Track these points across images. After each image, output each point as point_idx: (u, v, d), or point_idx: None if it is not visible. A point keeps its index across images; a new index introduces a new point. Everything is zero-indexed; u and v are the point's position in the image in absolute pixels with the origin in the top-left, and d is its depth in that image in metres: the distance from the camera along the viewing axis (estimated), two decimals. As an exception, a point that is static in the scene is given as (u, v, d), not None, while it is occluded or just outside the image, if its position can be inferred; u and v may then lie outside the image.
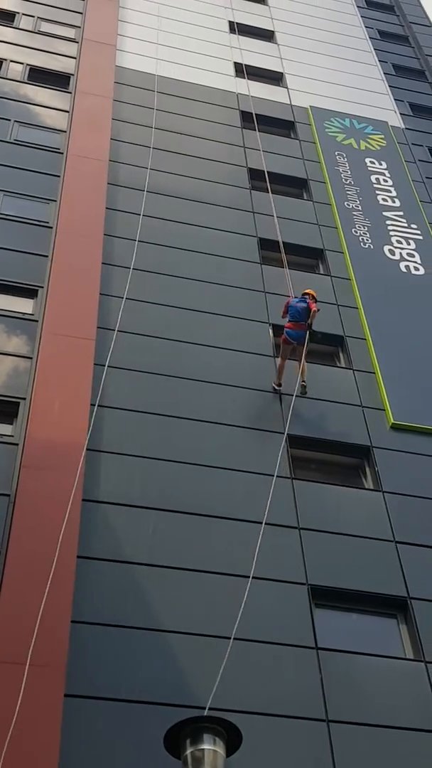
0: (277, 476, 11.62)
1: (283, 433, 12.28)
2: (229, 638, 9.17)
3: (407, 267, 16.45)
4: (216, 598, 9.75)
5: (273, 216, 15.99)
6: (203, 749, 6.18)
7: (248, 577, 10.09)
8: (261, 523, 10.85)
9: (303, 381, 12.36)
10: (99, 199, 15.25)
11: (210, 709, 7.97)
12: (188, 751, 6.19)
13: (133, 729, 8.27)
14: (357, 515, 11.53)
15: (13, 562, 9.25)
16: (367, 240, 16.73)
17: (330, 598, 10.33)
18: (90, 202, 15.07)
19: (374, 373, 13.92)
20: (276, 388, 12.82)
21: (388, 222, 17.44)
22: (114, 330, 13.05)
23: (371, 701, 9.17)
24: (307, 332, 12.49)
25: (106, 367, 11.94)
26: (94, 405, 11.52)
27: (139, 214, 15.01)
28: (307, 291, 13.16)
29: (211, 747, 6.21)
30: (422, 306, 15.70)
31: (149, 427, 11.80)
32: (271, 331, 14.16)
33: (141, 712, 8.43)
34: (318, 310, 12.66)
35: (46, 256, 13.90)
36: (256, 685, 8.99)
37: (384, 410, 13.27)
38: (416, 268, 16.50)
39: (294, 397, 12.27)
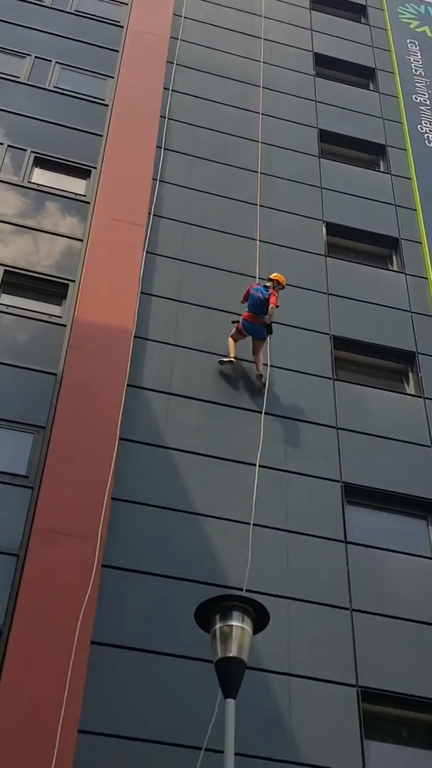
0: (320, 376, 11.71)
1: (329, 334, 12.28)
2: (261, 526, 9.49)
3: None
4: (252, 488, 9.99)
5: (336, 106, 15.45)
6: (232, 625, 6.43)
7: (285, 471, 10.34)
8: (300, 420, 11.02)
9: (258, 371, 11.03)
10: (157, 78, 14.82)
11: (240, 589, 8.35)
12: (217, 626, 6.45)
13: (166, 602, 8.68)
14: (396, 419, 11.59)
15: (58, 440, 9.52)
16: (434, 138, 16.11)
17: (362, 497, 10.54)
18: (148, 80, 14.65)
19: (426, 278, 13.67)
20: (225, 361, 11.05)
21: (457, 120, 16.72)
22: (165, 217, 12.96)
23: (394, 595, 9.49)
24: (266, 329, 10.95)
25: (145, 254, 11.85)
26: (142, 292, 11.59)
27: (197, 97, 14.57)
28: (272, 276, 11.28)
29: (239, 624, 6.46)
30: None
31: (194, 318, 11.82)
32: (324, 229, 13.91)
33: (173, 587, 8.82)
34: (277, 306, 10.88)
35: (101, 136, 13.65)
36: (286, 571, 9.32)
37: (432, 316, 13.12)
38: None
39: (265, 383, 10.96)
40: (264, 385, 10.97)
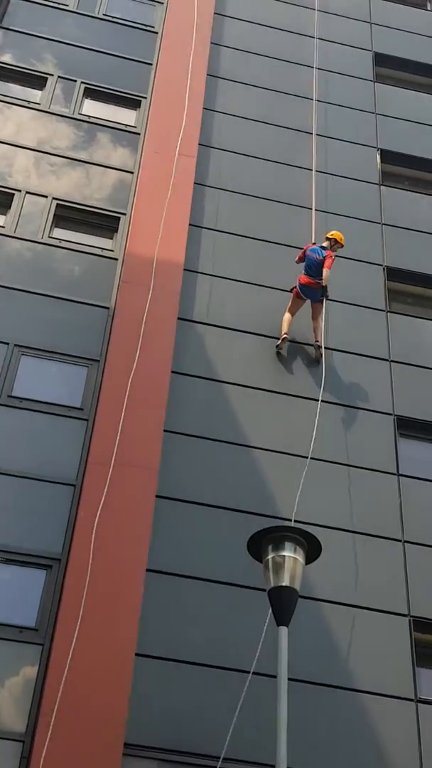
0: (374, 308, 11.54)
1: (381, 264, 12.05)
2: (315, 459, 9.52)
3: None
4: (302, 421, 10.01)
5: (392, 27, 14.82)
6: (284, 555, 6.52)
7: (339, 404, 10.31)
8: (354, 353, 10.92)
9: (317, 340, 10.46)
10: (208, 3, 14.38)
11: (293, 520, 8.44)
12: (270, 556, 6.54)
13: (219, 532, 8.83)
14: (450, 352, 11.41)
15: (111, 373, 9.62)
16: None
17: (415, 429, 10.48)
18: (199, 6, 14.20)
19: None
20: (281, 344, 10.44)
21: None
22: (216, 148, 12.74)
23: (447, 528, 9.51)
24: (322, 292, 10.40)
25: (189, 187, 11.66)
26: (193, 225, 11.49)
27: (249, 21, 14.13)
28: (330, 234, 10.79)
29: (291, 554, 6.54)
30: None
31: (246, 251, 11.69)
32: (378, 156, 13.52)
33: (226, 517, 8.96)
34: (330, 269, 10.33)
35: (150, 64, 13.38)
36: (338, 504, 9.38)
37: None
38: None
39: (323, 360, 10.41)
40: (321, 355, 10.46)
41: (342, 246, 10.77)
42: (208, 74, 13.42)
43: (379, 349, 11.11)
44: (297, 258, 10.86)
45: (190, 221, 11.53)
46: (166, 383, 9.71)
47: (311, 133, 13.24)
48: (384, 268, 12.06)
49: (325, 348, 10.64)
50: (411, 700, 8.12)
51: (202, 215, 11.84)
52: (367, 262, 12.03)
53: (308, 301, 10.64)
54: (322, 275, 10.37)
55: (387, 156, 13.58)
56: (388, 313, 11.56)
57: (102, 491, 8.51)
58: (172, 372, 9.89)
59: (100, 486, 8.58)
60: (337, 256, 11.10)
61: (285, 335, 10.48)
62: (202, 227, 11.72)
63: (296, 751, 6.89)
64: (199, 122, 12.72)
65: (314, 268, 10.47)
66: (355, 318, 11.32)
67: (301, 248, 11.48)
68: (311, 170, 12.71)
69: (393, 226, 12.61)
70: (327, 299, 10.51)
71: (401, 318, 11.61)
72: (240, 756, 7.35)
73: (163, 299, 10.46)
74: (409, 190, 13.39)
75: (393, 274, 12.07)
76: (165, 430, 9.35)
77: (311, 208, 12.19)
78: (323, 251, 10.58)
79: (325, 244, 10.75)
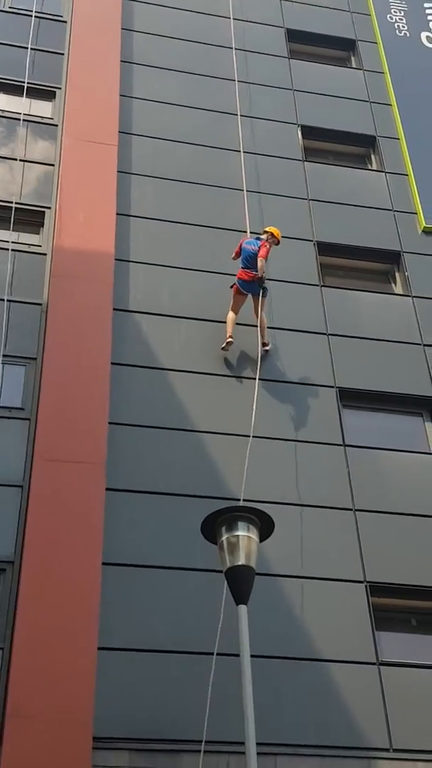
0: (307, 284, 11.63)
1: (312, 240, 12.15)
2: (261, 437, 9.58)
3: (445, 55, 15.40)
4: (246, 402, 10.06)
5: (302, 2, 14.87)
6: (238, 535, 6.56)
7: (280, 381, 10.39)
8: (291, 330, 11.00)
9: (264, 341, 10.24)
10: (115, -12, 14.19)
11: (244, 500, 8.50)
12: (224, 537, 6.58)
13: (171, 519, 8.84)
14: (386, 320, 11.58)
15: (50, 370, 9.51)
16: (404, 27, 15.54)
17: (357, 399, 10.63)
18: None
19: (407, 175, 13.43)
20: (226, 347, 10.24)
21: (426, 4, 16.09)
22: (137, 134, 12.64)
23: (395, 492, 9.68)
24: (257, 285, 10.19)
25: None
26: (120, 214, 11.41)
27: (159, 5, 14.01)
28: (267, 229, 10.60)
29: (245, 533, 6.59)
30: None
31: (177, 236, 11.65)
32: (300, 132, 13.60)
33: (178, 503, 8.98)
34: (264, 258, 10.11)
35: (62, 54, 13.18)
36: (288, 479, 9.47)
37: (416, 214, 12.95)
38: (454, 56, 15.43)
39: (259, 357, 10.02)
40: (267, 353, 10.28)
41: (278, 243, 10.56)
42: (122, 60, 13.27)
43: (316, 323, 11.22)
44: (234, 254, 10.58)
45: (118, 210, 11.43)
46: (106, 375, 9.64)
47: (233, 114, 13.22)
48: (315, 243, 12.15)
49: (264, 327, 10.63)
50: (373, 663, 8.29)
51: (129, 204, 11.75)
52: (298, 239, 12.10)
53: (249, 296, 10.41)
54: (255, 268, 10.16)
55: (308, 132, 13.67)
56: (322, 288, 11.67)
57: (50, 490, 8.43)
58: (112, 363, 9.83)
59: (48, 485, 8.50)
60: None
61: (230, 339, 10.24)
62: (130, 216, 11.63)
63: (264, 726, 6.98)
64: (117, 110, 12.59)
65: (251, 260, 10.25)
66: (291, 294, 11.39)
67: (231, 230, 11.54)
68: (236, 151, 12.70)
69: (320, 201, 12.72)
70: (263, 291, 10.27)
71: (335, 291, 11.74)
72: (210, 737, 7.41)
73: (96, 291, 10.38)
74: (333, 164, 13.51)
75: (324, 248, 12.18)
76: (110, 423, 9.30)
77: (240, 190, 12.19)
78: (258, 242, 10.38)
79: (262, 236, 10.55)
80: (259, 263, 10.15)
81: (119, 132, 12.39)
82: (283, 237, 11.75)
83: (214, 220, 11.92)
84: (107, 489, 8.74)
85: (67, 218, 11.04)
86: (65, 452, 8.77)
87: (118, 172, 11.91)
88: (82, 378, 9.51)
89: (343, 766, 7.57)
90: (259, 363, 10.01)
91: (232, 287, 10.41)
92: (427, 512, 9.53)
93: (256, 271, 10.17)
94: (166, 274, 11.17)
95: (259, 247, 10.27)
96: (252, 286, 10.27)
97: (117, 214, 11.36)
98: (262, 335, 10.27)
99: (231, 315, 10.40)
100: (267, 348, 10.32)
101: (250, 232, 11.36)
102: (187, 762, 7.30)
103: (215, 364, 10.35)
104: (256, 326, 10.29)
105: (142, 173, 12.21)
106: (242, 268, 10.32)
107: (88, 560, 8.08)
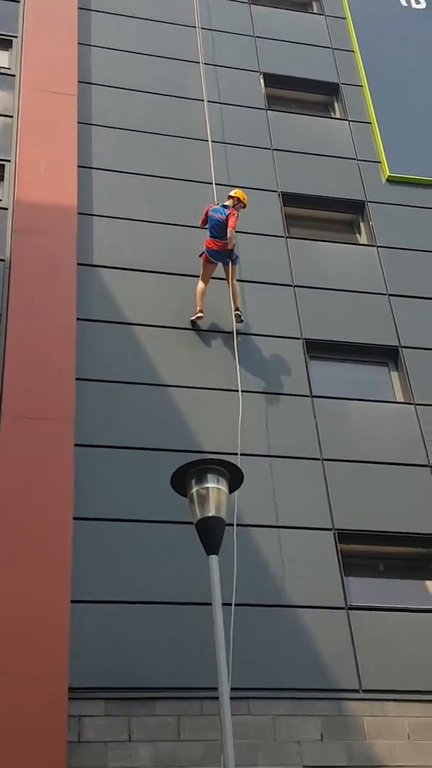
0: (272, 235, 11.58)
1: (277, 191, 12.07)
2: (226, 390, 9.62)
3: (408, 0, 15.19)
4: (213, 355, 10.08)
5: None
6: (208, 487, 6.62)
7: (247, 334, 10.39)
8: (257, 282, 10.97)
9: (237, 309, 10.06)
10: None
11: (215, 453, 8.55)
12: (194, 490, 6.64)
13: (142, 473, 8.88)
14: (351, 271, 11.60)
15: (15, 326, 9.40)
16: (365, -29, 15.30)
17: (324, 350, 10.69)
18: None
19: (370, 123, 13.34)
20: (195, 320, 10.10)
21: None
22: (97, 84, 12.37)
23: (361, 441, 9.81)
24: (228, 254, 10.01)
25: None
26: (81, 166, 11.22)
27: None
28: (232, 193, 10.33)
29: (215, 485, 6.65)
30: (423, 46, 14.69)
31: (141, 189, 11.49)
32: (262, 80, 13.41)
33: (147, 458, 9.01)
34: (234, 228, 9.90)
35: (18, 2, 12.77)
36: (255, 433, 9.53)
37: (380, 163, 12.90)
38: (417, 1, 15.23)
39: (235, 334, 9.98)
40: (241, 322, 10.13)
41: (245, 206, 10.30)
42: (79, 8, 12.92)
43: (282, 275, 11.20)
44: (200, 221, 10.35)
45: (79, 163, 11.23)
46: (72, 331, 9.56)
47: (195, 62, 12.98)
48: (279, 194, 12.08)
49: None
50: (342, 608, 8.48)
51: (91, 155, 11.54)
52: (262, 190, 12.00)
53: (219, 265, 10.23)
54: (224, 236, 9.93)
55: (270, 79, 13.49)
56: (288, 239, 11.63)
57: (18, 447, 8.41)
58: (78, 319, 9.74)
59: (17, 442, 8.48)
60: (233, 186, 11.04)
61: (200, 313, 10.07)
62: (92, 168, 11.44)
63: (237, 671, 7.15)
64: (75, 59, 12.29)
65: (218, 228, 9.99)
66: (256, 247, 11.33)
67: (196, 181, 11.42)
68: (199, 101, 12.51)
69: (283, 150, 12.60)
70: (234, 263, 10.08)
71: (300, 243, 11.71)
72: (184, 683, 7.58)
73: (59, 246, 10.23)
74: (296, 113, 13.36)
75: (288, 199, 12.11)
76: (77, 378, 9.26)
77: (204, 140, 12.01)
78: (225, 210, 10.10)
79: (227, 202, 10.28)
80: (229, 234, 9.90)
81: (79, 82, 12.12)
82: (247, 188, 11.67)
83: (178, 172, 11.78)
84: (76, 445, 8.73)
85: (27, 171, 10.82)
86: (33, 409, 8.73)
87: (79, 123, 11.68)
88: (47, 334, 9.42)
89: (314, 707, 7.79)
90: (235, 335, 9.96)
91: (200, 256, 10.20)
92: (393, 460, 9.69)
93: (225, 241, 9.93)
94: (130, 228, 11.04)
95: (227, 216, 9.99)
96: (221, 255, 10.08)
97: (78, 166, 11.17)
98: (235, 303, 10.12)
99: (201, 286, 10.19)
100: (239, 315, 10.15)
101: (216, 184, 11.25)
102: (161, 708, 7.46)
103: (182, 318, 10.30)
104: (234, 309, 10.06)
105: (103, 124, 12.00)
106: (210, 236, 10.07)
107: (59, 516, 8.11)
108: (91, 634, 7.68)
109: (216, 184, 11.35)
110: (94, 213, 10.98)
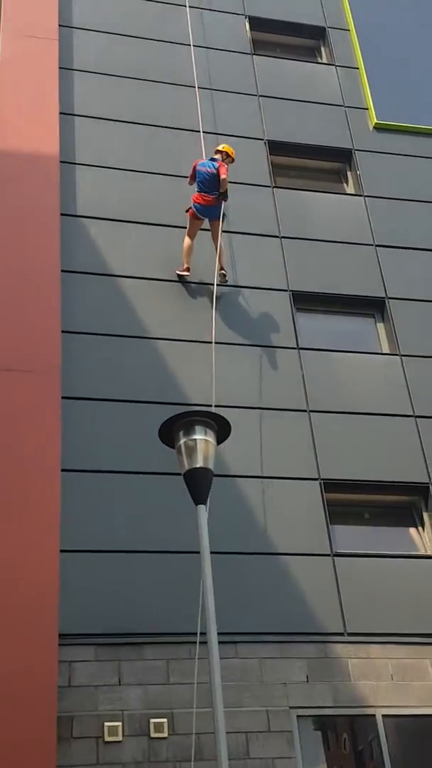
0: (258, 185, 11.46)
1: (263, 139, 11.91)
2: (221, 343, 9.63)
3: None
4: (199, 307, 10.05)
5: None
6: (195, 439, 6.64)
7: (233, 286, 10.36)
8: (243, 233, 10.89)
9: (222, 269, 10.02)
10: None
11: (203, 405, 8.60)
12: (182, 441, 6.66)
13: (129, 425, 8.92)
14: (338, 221, 11.53)
15: (-1, 278, 9.33)
16: None
17: (311, 302, 10.68)
18: None
19: (357, 69, 13.13)
20: (182, 275, 10.03)
21: None
22: (79, 28, 12.07)
23: (348, 393, 9.87)
24: (221, 205, 9.90)
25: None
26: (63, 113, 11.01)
27: None
28: (219, 148, 10.26)
29: (202, 437, 6.67)
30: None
31: (125, 136, 11.31)
32: (247, 24, 13.14)
33: (135, 410, 9.04)
34: (227, 177, 9.82)
35: None
36: (245, 383, 9.57)
37: (367, 110, 12.74)
38: None
39: (215, 288, 9.96)
40: (226, 282, 10.07)
41: (233, 160, 10.22)
42: None
43: (269, 226, 11.12)
44: (189, 179, 10.20)
45: (61, 110, 11.01)
46: (57, 283, 9.48)
47: (179, 5, 12.68)
48: (265, 142, 11.92)
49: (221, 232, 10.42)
50: (328, 555, 8.64)
51: (73, 102, 11.33)
52: (248, 138, 11.84)
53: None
54: (217, 190, 9.82)
55: (255, 23, 13.22)
56: (274, 189, 11.52)
57: (4, 399, 8.41)
58: (63, 271, 9.66)
59: (3, 394, 8.47)
60: (217, 133, 10.88)
61: (186, 271, 10.01)
62: (74, 115, 11.23)
63: (225, 616, 7.28)
64: (56, 2, 11.97)
65: (207, 183, 9.87)
66: (242, 197, 11.21)
67: (182, 129, 11.25)
68: (184, 45, 12.24)
69: (270, 97, 12.41)
70: (225, 200, 9.96)
71: (287, 192, 11.60)
72: (173, 629, 7.74)
73: (42, 195, 10.09)
74: (282, 57, 13.12)
75: (275, 147, 11.96)
76: (63, 331, 9.22)
77: (190, 86, 11.80)
78: (214, 163, 9.99)
79: (215, 156, 10.16)
80: (223, 182, 9.79)
81: (60, 26, 11.83)
82: (233, 136, 11.54)
83: (163, 119, 11.60)
84: (63, 397, 8.74)
85: (7, 119, 10.61)
86: (20, 362, 8.71)
87: (60, 68, 11.43)
88: (32, 286, 9.34)
89: (300, 650, 7.99)
90: (214, 291, 9.91)
91: (187, 212, 10.05)
92: (378, 411, 9.78)
93: (214, 195, 9.83)
94: (114, 177, 10.89)
95: (218, 168, 9.89)
96: (209, 210, 9.93)
97: (60, 113, 10.96)
98: (220, 261, 10.04)
99: (187, 242, 10.06)
100: (224, 274, 10.08)
101: (203, 132, 11.09)
102: (150, 653, 7.63)
103: (169, 270, 10.24)
104: (219, 268, 10.02)
105: (85, 69, 11.75)
106: (198, 191, 9.93)
107: (46, 467, 8.15)
108: (80, 582, 7.80)
109: (203, 132, 11.18)
110: (77, 162, 10.82)
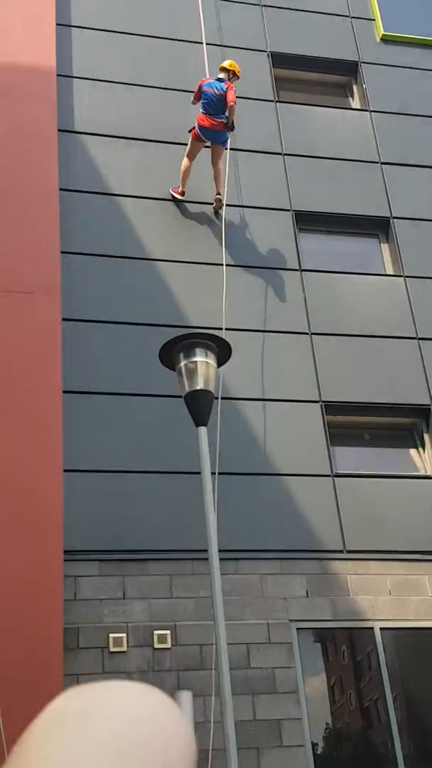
0: (261, 99, 11.14)
1: (266, 51, 11.51)
2: (213, 264, 9.51)
3: None
4: (200, 228, 9.89)
5: None
6: (196, 361, 6.64)
7: (232, 206, 10.17)
8: (247, 150, 10.63)
9: (218, 193, 9.64)
10: None
11: (204, 327, 8.55)
12: (182, 364, 6.66)
13: (131, 347, 8.90)
14: (343, 138, 11.25)
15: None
16: None
17: (314, 223, 10.51)
18: None
19: (365, -24, 12.59)
20: (176, 196, 9.76)
21: None
22: None
23: (350, 315, 9.81)
24: (226, 132, 9.47)
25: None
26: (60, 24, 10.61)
27: None
28: (225, 65, 9.70)
29: (203, 359, 6.66)
30: None
31: (125, 49, 10.93)
32: None
33: (136, 332, 9.01)
34: (235, 102, 9.35)
35: None
36: (243, 307, 9.51)
37: (374, 20, 12.27)
38: None
39: (223, 210, 9.75)
40: (222, 207, 9.72)
41: (239, 77, 9.79)
42: None
43: (271, 143, 10.85)
44: (193, 98, 9.76)
45: (57, 20, 10.62)
46: (55, 203, 9.31)
47: None
48: (269, 54, 11.54)
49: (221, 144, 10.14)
50: (328, 475, 8.75)
51: (70, 12, 10.91)
52: (250, 50, 11.45)
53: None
54: (223, 112, 9.38)
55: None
56: (277, 103, 11.20)
57: (5, 321, 8.37)
58: (61, 190, 9.48)
59: (3, 316, 8.42)
60: (218, 45, 10.51)
61: (182, 194, 9.73)
62: (71, 26, 10.83)
63: (226, 534, 7.43)
64: None
65: (213, 105, 9.40)
66: (244, 112, 10.88)
67: (184, 41, 10.88)
68: None
69: (273, 6, 11.94)
70: (232, 130, 9.57)
71: (290, 107, 11.28)
72: (176, 546, 7.90)
73: (38, 110, 9.81)
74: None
75: (278, 59, 11.58)
76: (62, 252, 9.10)
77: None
78: (221, 84, 9.50)
79: (221, 75, 9.68)
80: (231, 109, 9.36)
81: None
82: (234, 47, 11.16)
83: (165, 30, 11.19)
84: (64, 319, 8.70)
85: (2, 30, 10.23)
86: (19, 283, 8.63)
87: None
88: (29, 205, 9.18)
89: (300, 566, 8.17)
90: (223, 214, 9.71)
91: (190, 132, 9.65)
92: (381, 333, 9.74)
93: (222, 118, 9.43)
94: (113, 91, 10.57)
95: (226, 91, 9.40)
96: (215, 134, 9.52)
97: (57, 24, 10.57)
98: (217, 185, 9.74)
99: (186, 163, 9.72)
100: (221, 199, 9.78)
101: (206, 44, 10.72)
102: (154, 569, 7.81)
103: (169, 190, 10.04)
104: (216, 193, 9.74)
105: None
106: (204, 112, 9.48)
107: (47, 388, 8.18)
108: (85, 501, 7.92)
109: (207, 44, 10.80)
110: (74, 75, 10.49)
